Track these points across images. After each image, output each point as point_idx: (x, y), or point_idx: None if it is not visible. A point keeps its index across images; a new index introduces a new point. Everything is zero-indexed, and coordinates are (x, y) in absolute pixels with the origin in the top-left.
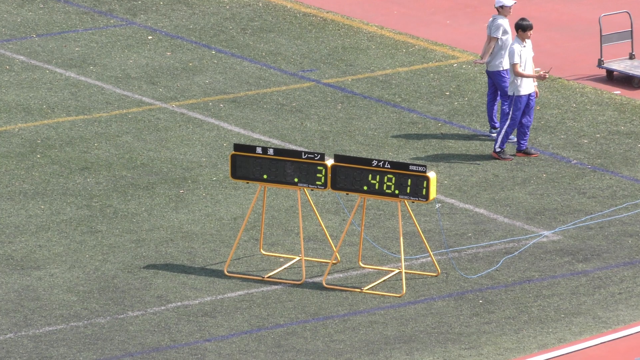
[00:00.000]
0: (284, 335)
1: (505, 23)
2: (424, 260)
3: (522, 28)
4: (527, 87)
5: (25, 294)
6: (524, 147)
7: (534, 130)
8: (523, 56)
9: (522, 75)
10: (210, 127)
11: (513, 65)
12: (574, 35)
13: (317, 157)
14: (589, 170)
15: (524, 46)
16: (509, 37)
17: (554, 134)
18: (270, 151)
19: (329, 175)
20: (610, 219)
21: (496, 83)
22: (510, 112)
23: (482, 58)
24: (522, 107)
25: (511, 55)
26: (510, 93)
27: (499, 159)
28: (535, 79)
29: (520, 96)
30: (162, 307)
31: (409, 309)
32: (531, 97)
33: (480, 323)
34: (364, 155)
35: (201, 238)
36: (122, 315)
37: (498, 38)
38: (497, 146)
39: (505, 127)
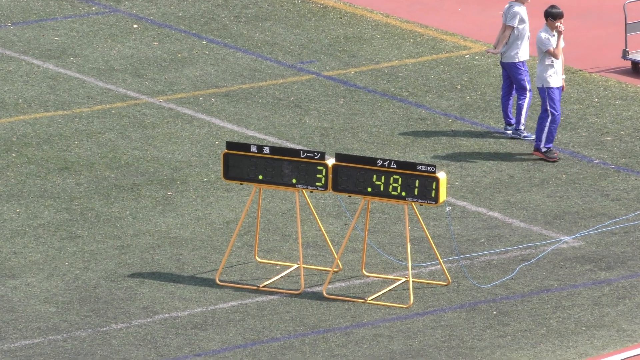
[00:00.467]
0: (281, 350)
1: (522, 11)
2: (433, 268)
3: (551, 16)
4: (557, 79)
5: None
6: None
7: None
8: (553, 45)
9: (557, 53)
10: (201, 123)
11: (547, 51)
12: (596, 24)
13: (317, 156)
14: (612, 171)
15: (553, 35)
16: (526, 26)
17: (575, 131)
18: (266, 150)
19: (330, 175)
20: (635, 223)
21: (511, 76)
22: (548, 107)
23: (495, 48)
24: (557, 97)
25: (542, 42)
26: (539, 85)
27: (545, 160)
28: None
29: (552, 88)
30: (148, 319)
31: (416, 321)
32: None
33: (494, 336)
34: (367, 154)
35: (191, 244)
36: (104, 328)
37: (514, 27)
38: (542, 145)
39: (548, 123)
